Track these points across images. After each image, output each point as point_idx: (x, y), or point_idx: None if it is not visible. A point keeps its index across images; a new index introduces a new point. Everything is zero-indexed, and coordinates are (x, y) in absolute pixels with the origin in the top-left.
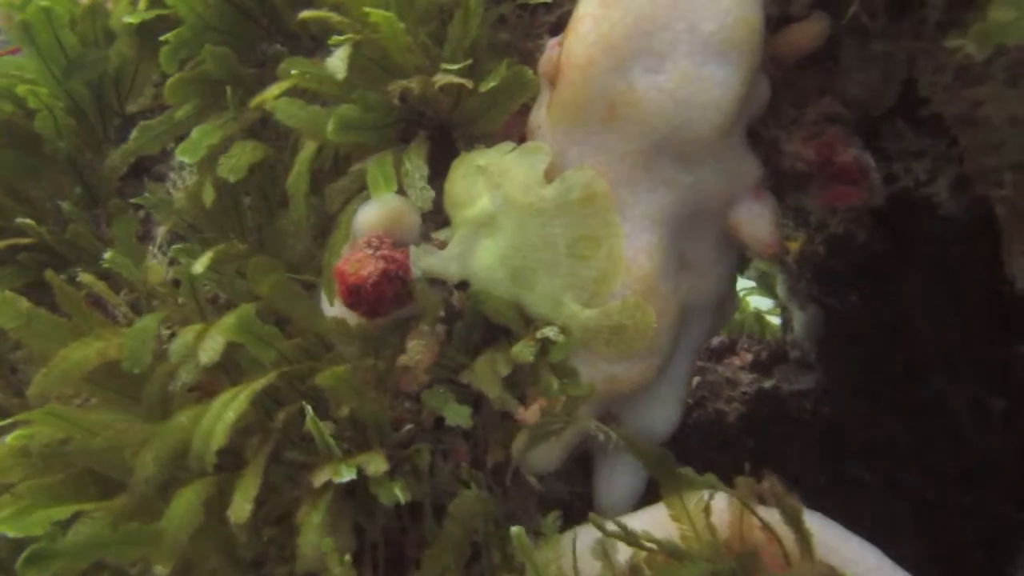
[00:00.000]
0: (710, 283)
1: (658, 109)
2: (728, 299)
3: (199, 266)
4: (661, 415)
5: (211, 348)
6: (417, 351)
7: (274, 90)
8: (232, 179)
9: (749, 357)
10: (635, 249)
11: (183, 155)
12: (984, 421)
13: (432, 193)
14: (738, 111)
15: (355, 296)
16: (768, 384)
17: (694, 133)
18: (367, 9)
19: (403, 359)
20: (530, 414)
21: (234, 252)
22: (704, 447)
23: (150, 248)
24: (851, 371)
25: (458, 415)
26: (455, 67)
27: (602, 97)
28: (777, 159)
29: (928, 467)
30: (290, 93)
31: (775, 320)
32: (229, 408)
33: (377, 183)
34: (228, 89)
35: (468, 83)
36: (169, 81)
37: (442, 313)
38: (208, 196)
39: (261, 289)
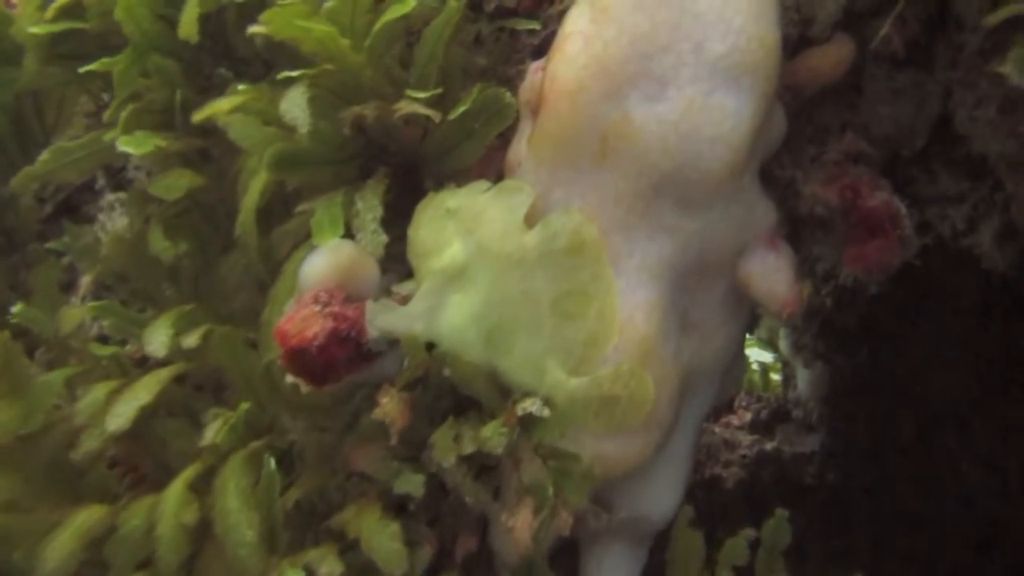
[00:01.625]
0: (716, 346)
1: (659, 144)
2: (736, 362)
3: (160, 348)
4: (659, 499)
5: (122, 414)
6: (391, 407)
7: (224, 104)
8: (168, 197)
9: (748, 416)
10: (631, 307)
11: (127, 145)
12: (999, 486)
13: (385, 238)
14: (751, 146)
15: (298, 361)
16: (769, 447)
17: (700, 172)
18: (320, 29)
19: (377, 413)
20: (522, 526)
21: (181, 315)
22: (700, 516)
23: (72, 300)
24: (858, 433)
25: (409, 483)
26: (422, 95)
27: (593, 129)
28: (794, 203)
29: (939, 536)
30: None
31: (774, 375)
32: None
33: (322, 227)
34: (177, 95)
35: (434, 114)
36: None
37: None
38: (165, 250)
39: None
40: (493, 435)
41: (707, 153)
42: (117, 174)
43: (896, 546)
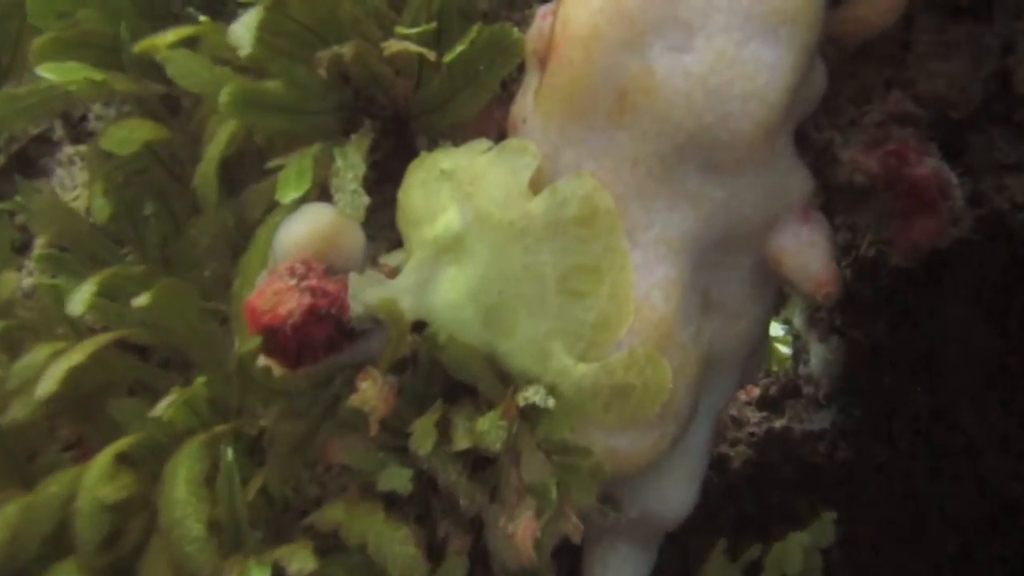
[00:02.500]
0: (740, 328)
1: (684, 100)
2: (760, 345)
3: (79, 304)
4: (673, 496)
5: (51, 377)
6: (372, 394)
7: (170, 36)
8: (122, 152)
9: (756, 391)
10: (647, 285)
11: (49, 71)
12: (1014, 466)
13: (366, 200)
14: (788, 105)
15: (271, 341)
16: (778, 424)
17: (731, 133)
18: None
19: (355, 399)
20: (523, 534)
21: (128, 276)
22: (705, 498)
23: (26, 263)
24: (871, 411)
25: (396, 478)
26: (412, 31)
27: (609, 83)
28: (830, 170)
29: (950, 516)
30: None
31: (783, 348)
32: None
33: (287, 182)
34: (122, 27)
35: (428, 52)
36: (38, 41)
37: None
38: (101, 209)
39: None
40: (491, 428)
41: (739, 112)
42: (77, 125)
43: (901, 527)
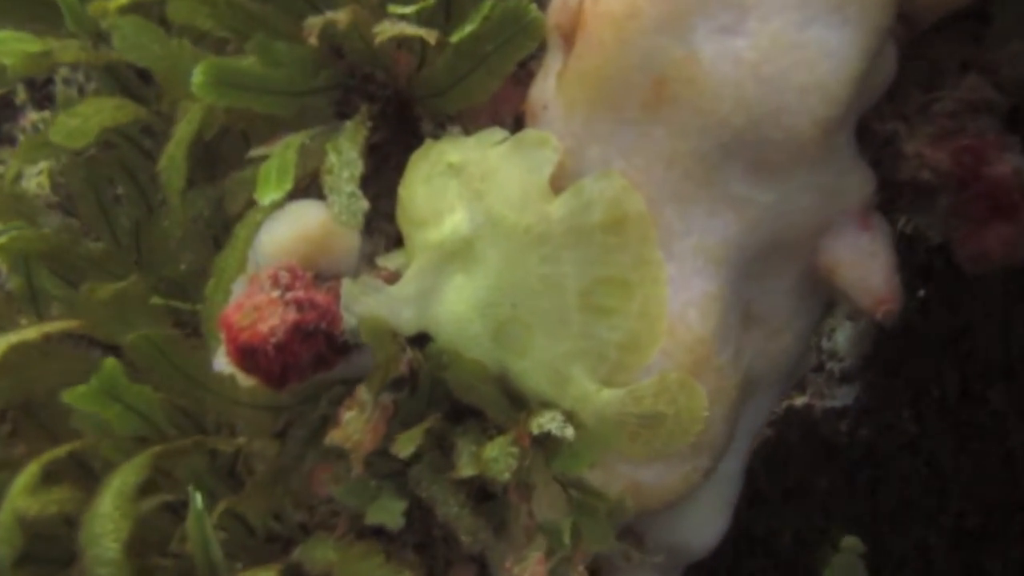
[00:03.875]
0: (783, 345)
1: (732, 92)
2: (803, 360)
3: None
4: (702, 527)
5: None
6: (356, 427)
7: None
8: (74, 145)
9: None
10: (682, 301)
11: None
12: None
13: (365, 204)
14: (853, 97)
15: (250, 360)
16: (799, 402)
17: (784, 130)
18: None
19: (335, 435)
20: None
21: (88, 258)
22: None
23: None
24: (898, 388)
25: (385, 512)
26: (410, 8)
27: (646, 69)
28: (892, 165)
29: (974, 494)
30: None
31: None
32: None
33: (267, 179)
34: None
35: (428, 34)
36: None
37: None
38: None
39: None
40: (499, 456)
41: (795, 106)
42: (41, 88)
43: (924, 506)
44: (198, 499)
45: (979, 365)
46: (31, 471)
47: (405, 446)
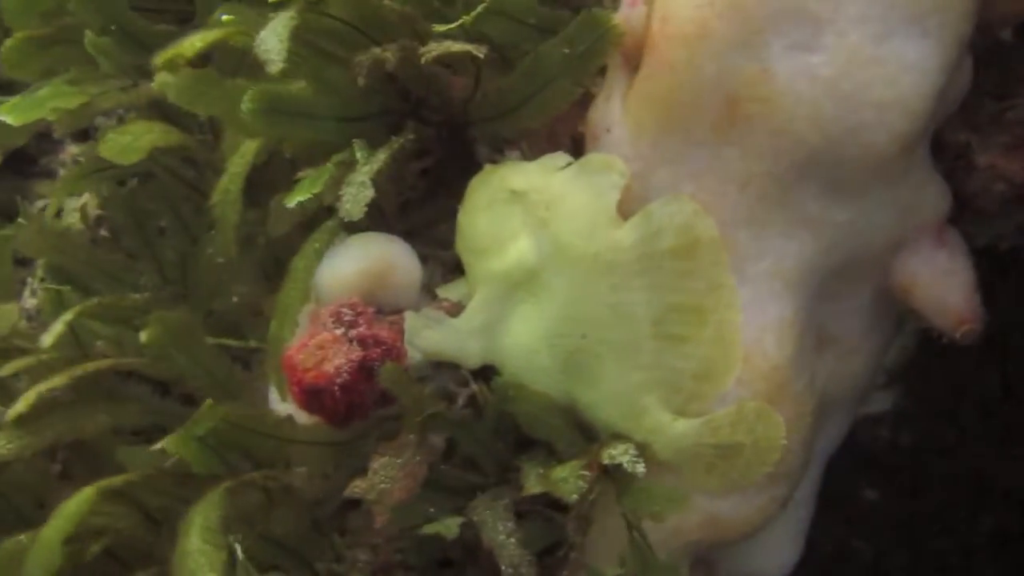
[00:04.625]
0: (856, 365)
1: (808, 110)
2: (874, 380)
3: (48, 337)
4: (774, 556)
5: (25, 398)
6: (384, 477)
7: (197, 41)
8: (125, 161)
9: None
10: (758, 327)
11: (6, 114)
12: None
13: (371, 193)
14: (932, 112)
15: (315, 401)
16: None
17: (862, 148)
18: None
19: (358, 487)
20: None
21: (124, 306)
22: None
23: (28, 282)
24: (938, 392)
25: (441, 525)
26: (453, 25)
27: (718, 89)
28: (963, 177)
29: (1012, 496)
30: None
31: None
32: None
33: (299, 187)
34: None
35: (477, 50)
36: (8, 43)
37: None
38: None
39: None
40: (569, 476)
41: (873, 123)
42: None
43: (963, 510)
44: (239, 551)
45: (1020, 366)
46: (87, 494)
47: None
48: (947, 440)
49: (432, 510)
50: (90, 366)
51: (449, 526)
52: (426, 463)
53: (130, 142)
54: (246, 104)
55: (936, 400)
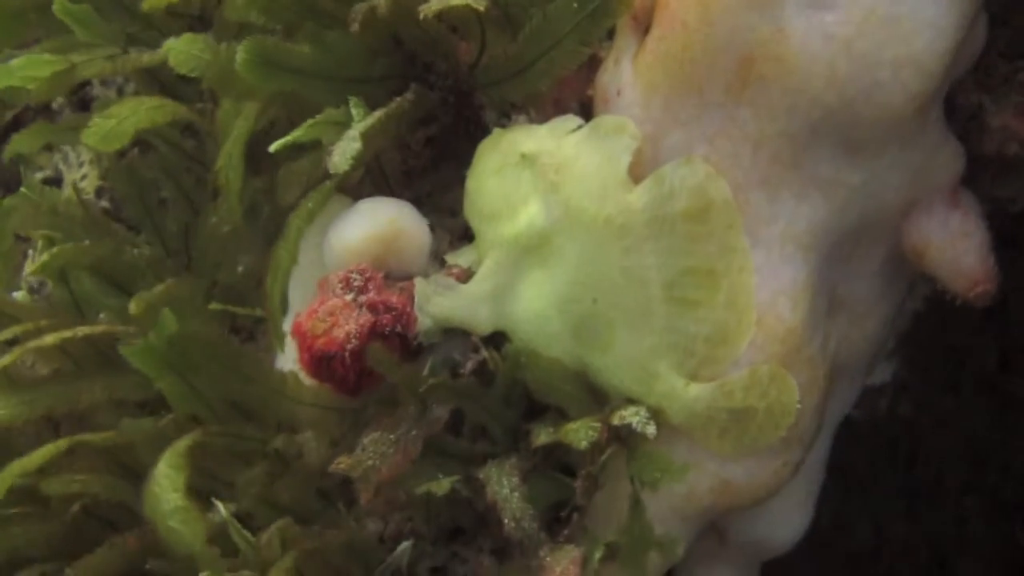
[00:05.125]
0: (868, 330)
1: (824, 70)
2: (884, 346)
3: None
4: (785, 521)
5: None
6: (373, 453)
7: None
8: (108, 149)
9: None
10: (772, 290)
11: None
12: None
13: (358, 146)
14: (948, 70)
15: (324, 369)
16: None
17: (877, 107)
18: None
19: (341, 463)
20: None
21: (126, 261)
22: None
23: (30, 254)
24: (937, 363)
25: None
26: None
27: (731, 49)
28: (977, 139)
29: (1012, 467)
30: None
31: None
32: None
33: (293, 133)
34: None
35: (477, 3)
36: None
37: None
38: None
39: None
40: (580, 427)
41: (889, 82)
42: (78, 91)
43: (958, 480)
44: (222, 509)
45: (1017, 338)
46: (58, 445)
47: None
48: (944, 410)
49: (441, 477)
50: (81, 331)
51: (442, 484)
52: (422, 438)
53: (113, 127)
54: (241, 55)
55: (935, 370)
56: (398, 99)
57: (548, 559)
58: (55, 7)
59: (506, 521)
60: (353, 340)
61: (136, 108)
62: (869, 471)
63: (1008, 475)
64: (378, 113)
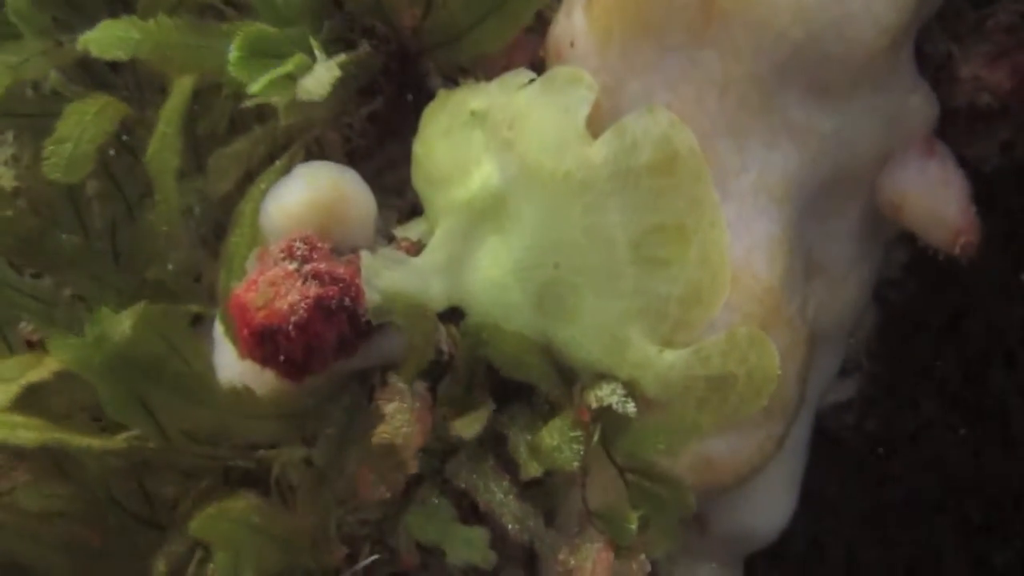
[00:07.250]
0: (847, 295)
1: (790, 1)
2: (864, 317)
3: None
4: (768, 507)
5: None
6: (402, 420)
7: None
8: (75, 179)
9: None
10: (746, 246)
11: None
12: None
13: (337, 73)
14: (919, 6)
15: (268, 346)
16: None
17: (847, 43)
18: None
19: (384, 431)
20: (597, 570)
21: (49, 247)
22: None
23: None
24: (901, 376)
25: (470, 548)
26: None
27: None
28: (947, 90)
29: (978, 486)
30: None
31: None
32: None
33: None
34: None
35: None
36: None
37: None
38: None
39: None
40: (562, 443)
41: (859, 14)
42: None
43: (928, 498)
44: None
45: (978, 351)
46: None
47: (468, 428)
48: (911, 426)
49: (435, 500)
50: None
51: (478, 548)
52: (428, 410)
53: (72, 153)
54: (235, 47)
55: (898, 387)
56: (354, 52)
57: (570, 561)
58: (8, 9)
59: (510, 526)
60: (299, 311)
61: (81, 119)
62: (839, 492)
63: (976, 496)
64: (344, 57)
